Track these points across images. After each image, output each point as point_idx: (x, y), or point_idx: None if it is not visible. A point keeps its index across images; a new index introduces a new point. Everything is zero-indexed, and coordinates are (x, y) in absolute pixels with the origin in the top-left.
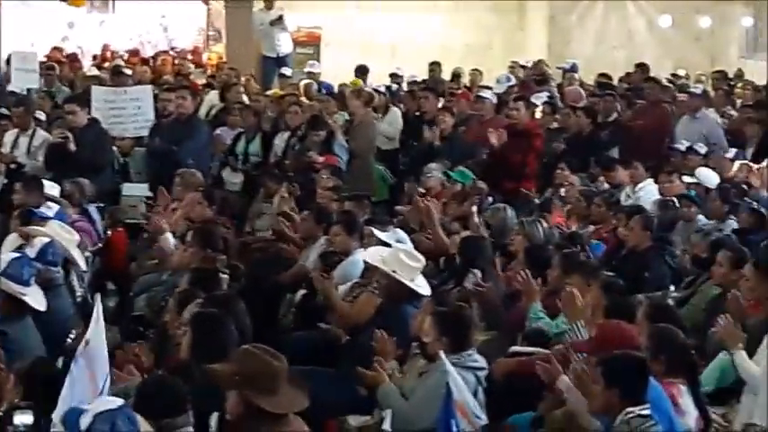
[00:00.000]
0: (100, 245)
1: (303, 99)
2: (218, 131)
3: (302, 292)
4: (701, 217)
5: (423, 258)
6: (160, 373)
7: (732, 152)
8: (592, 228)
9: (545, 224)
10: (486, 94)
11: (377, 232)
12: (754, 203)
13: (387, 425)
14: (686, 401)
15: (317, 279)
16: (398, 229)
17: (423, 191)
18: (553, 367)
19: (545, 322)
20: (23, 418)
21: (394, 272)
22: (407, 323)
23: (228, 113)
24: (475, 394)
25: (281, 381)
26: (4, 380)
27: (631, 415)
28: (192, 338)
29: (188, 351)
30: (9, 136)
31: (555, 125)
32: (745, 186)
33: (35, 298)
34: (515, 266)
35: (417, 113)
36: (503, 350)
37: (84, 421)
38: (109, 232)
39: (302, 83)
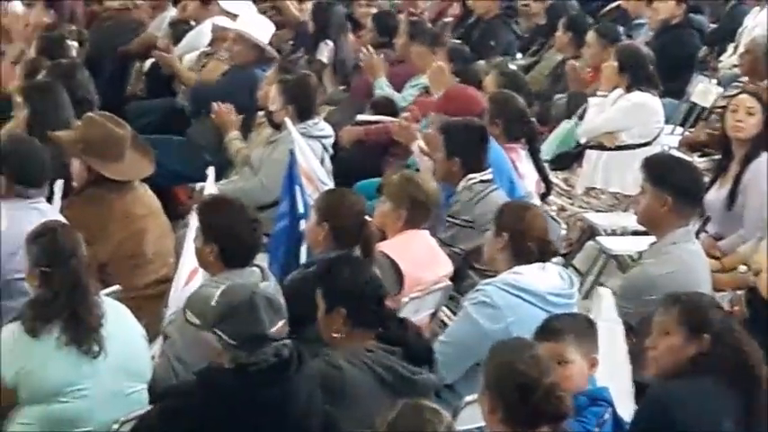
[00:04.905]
0: None
1: None
2: None
3: (151, 60)
4: None
5: (272, 25)
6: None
7: None
8: None
9: None
10: None
11: (223, 2)
12: None
13: (210, 184)
14: (526, 165)
15: (157, 55)
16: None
17: None
18: (410, 129)
19: (392, 95)
20: None
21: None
22: (255, 88)
23: None
24: (322, 162)
25: (124, 148)
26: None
27: (473, 181)
28: (27, 110)
29: (24, 123)
30: None
31: None
32: None
33: None
34: (365, 35)
35: None
36: (350, 119)
37: None
38: None
39: None
